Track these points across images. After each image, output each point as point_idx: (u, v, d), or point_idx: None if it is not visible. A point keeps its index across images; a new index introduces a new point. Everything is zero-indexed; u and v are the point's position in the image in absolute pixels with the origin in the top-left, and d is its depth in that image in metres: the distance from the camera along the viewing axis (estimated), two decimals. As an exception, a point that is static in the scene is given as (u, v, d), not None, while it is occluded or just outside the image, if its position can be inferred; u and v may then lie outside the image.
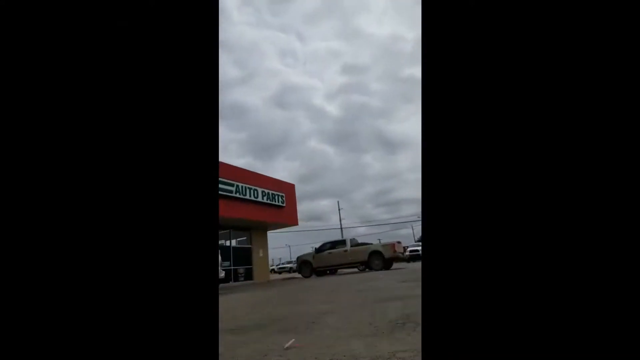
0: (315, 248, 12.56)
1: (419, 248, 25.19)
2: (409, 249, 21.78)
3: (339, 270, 13.33)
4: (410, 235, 50.63)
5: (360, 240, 13.10)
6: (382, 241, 12.21)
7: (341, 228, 38.63)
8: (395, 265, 12.69)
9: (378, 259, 11.23)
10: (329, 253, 12.02)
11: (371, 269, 11.35)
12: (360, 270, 13.23)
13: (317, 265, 12.06)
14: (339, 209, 41.70)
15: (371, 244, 12.14)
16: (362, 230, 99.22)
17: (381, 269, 10.97)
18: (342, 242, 12.28)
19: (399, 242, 12.10)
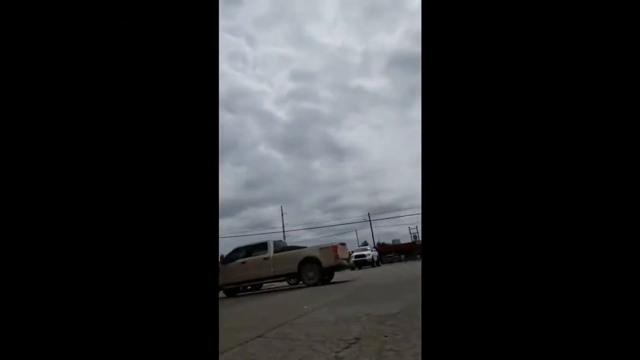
0: (222, 256, 8.65)
1: (366, 252, 22.15)
2: (353, 254, 18.73)
3: (265, 285, 9.62)
4: (354, 240, 48.24)
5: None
6: (320, 244, 8.55)
7: (284, 231, 34.77)
8: (337, 275, 9.33)
9: (312, 270, 7.72)
10: (243, 263, 8.22)
11: (304, 282, 7.84)
12: (291, 284, 9.65)
13: (225, 280, 8.15)
14: (282, 214, 37.88)
15: (305, 247, 8.54)
16: (308, 235, 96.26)
17: (316, 284, 7.50)
18: (261, 246, 8.49)
19: (342, 244, 8.66)
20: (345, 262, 8.42)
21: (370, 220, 39.10)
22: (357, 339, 1.78)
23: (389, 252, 40.63)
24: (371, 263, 21.39)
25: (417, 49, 0.70)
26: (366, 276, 9.05)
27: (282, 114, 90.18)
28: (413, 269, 10.37)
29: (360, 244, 39.90)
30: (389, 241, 49.10)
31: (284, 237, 33.97)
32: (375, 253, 24.41)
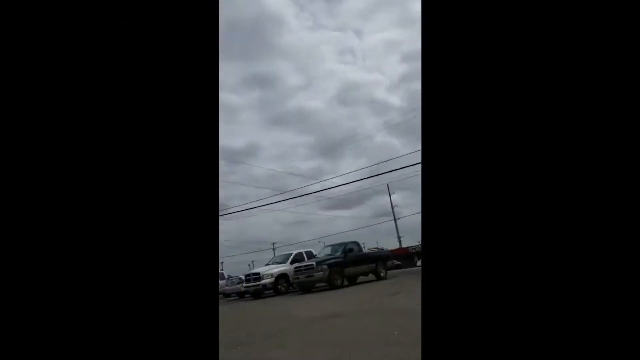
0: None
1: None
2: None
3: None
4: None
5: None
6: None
7: (394, 215, 30.49)
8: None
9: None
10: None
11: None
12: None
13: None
14: (389, 194, 31.28)
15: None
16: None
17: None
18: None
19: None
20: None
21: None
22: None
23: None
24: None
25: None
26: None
27: (395, 99, 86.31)
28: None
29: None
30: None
31: (395, 223, 29.86)
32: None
